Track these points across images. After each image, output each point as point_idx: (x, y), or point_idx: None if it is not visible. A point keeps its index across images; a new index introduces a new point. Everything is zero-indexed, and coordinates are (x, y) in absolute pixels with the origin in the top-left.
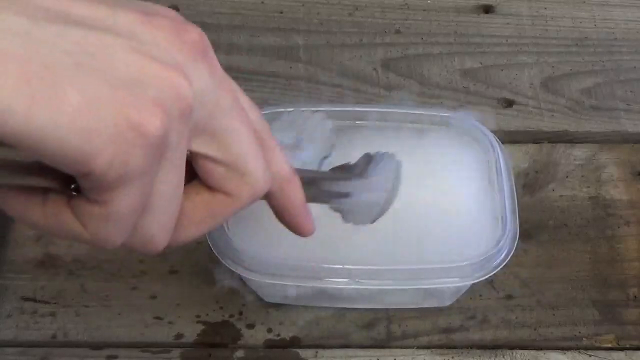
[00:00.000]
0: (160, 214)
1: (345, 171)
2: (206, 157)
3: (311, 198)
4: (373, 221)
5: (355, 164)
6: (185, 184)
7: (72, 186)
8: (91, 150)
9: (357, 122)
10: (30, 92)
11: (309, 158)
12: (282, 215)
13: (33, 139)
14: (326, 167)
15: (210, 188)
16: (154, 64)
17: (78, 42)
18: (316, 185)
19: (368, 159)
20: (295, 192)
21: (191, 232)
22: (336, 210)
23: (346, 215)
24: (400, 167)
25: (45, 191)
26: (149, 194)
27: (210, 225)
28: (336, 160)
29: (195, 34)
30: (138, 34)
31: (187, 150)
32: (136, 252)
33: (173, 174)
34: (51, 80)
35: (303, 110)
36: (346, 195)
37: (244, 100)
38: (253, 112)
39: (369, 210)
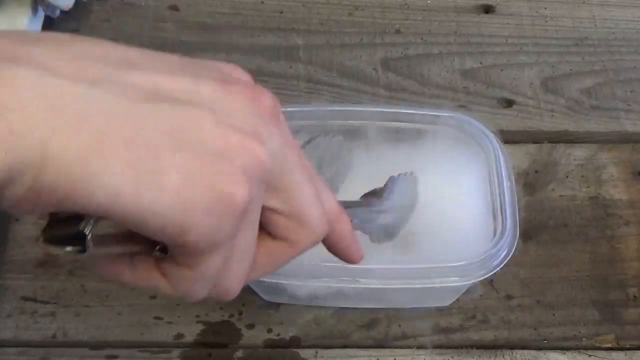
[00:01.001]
0: (238, 269)
1: (373, 196)
2: (271, 209)
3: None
4: (394, 238)
5: (381, 189)
6: None
7: (157, 247)
8: (189, 224)
9: (357, 122)
10: (136, 176)
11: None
12: (334, 249)
13: (139, 217)
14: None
15: (272, 236)
16: (236, 135)
17: (170, 119)
18: (353, 215)
19: (391, 181)
20: (345, 228)
21: (252, 277)
22: (365, 232)
23: (372, 237)
24: (416, 184)
25: (132, 254)
26: (231, 254)
27: (271, 270)
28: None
29: (268, 99)
30: (219, 104)
31: None
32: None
33: (250, 232)
34: (153, 162)
35: (320, 136)
36: (370, 220)
37: (298, 145)
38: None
39: (390, 230)
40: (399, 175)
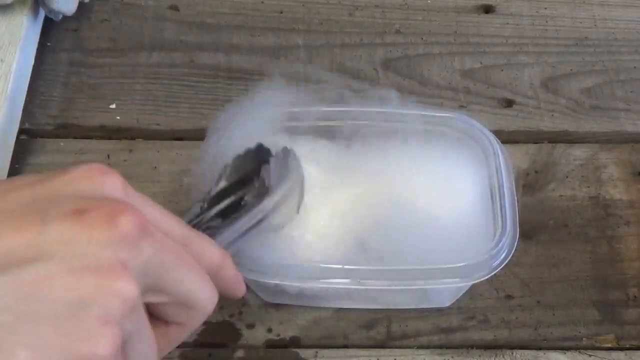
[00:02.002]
0: None
1: (255, 193)
2: (158, 303)
3: (236, 250)
4: (292, 220)
5: (260, 180)
6: None
7: None
8: None
9: (356, 122)
10: None
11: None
12: (221, 290)
13: None
14: None
15: (164, 321)
16: (92, 277)
17: (13, 290)
18: (242, 230)
19: (267, 168)
20: (228, 272)
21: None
22: (267, 231)
23: (274, 229)
24: (298, 160)
25: None
26: None
27: (169, 349)
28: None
29: (129, 220)
30: (71, 245)
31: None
32: None
33: (143, 345)
34: None
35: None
36: (263, 219)
37: (166, 219)
38: (174, 226)
39: (288, 214)
40: (271, 158)
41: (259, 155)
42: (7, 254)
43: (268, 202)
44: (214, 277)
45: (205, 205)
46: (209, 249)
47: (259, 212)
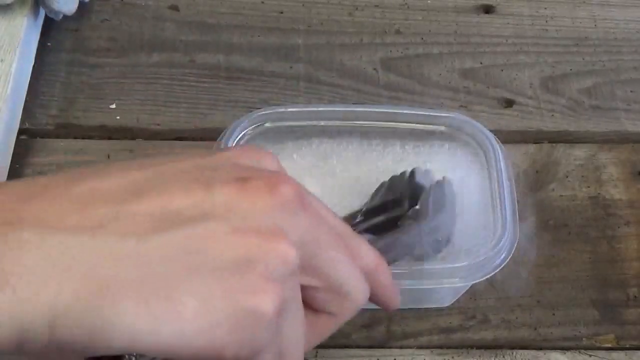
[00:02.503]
0: (292, 354)
1: (413, 216)
2: (309, 287)
3: (392, 260)
4: (439, 253)
5: (420, 204)
6: None
7: None
8: (217, 345)
9: (356, 122)
10: (150, 312)
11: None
12: (374, 298)
13: (164, 349)
14: None
15: (315, 310)
16: (255, 238)
17: (181, 244)
18: (395, 247)
19: (426, 195)
20: (383, 278)
21: (308, 349)
22: (411, 257)
23: (418, 257)
24: (454, 193)
25: None
26: (280, 345)
27: (316, 342)
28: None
29: (289, 190)
30: (235, 208)
31: None
32: None
33: (295, 318)
34: (166, 294)
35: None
36: (419, 243)
37: (326, 210)
38: (333, 219)
39: (436, 245)
40: (430, 185)
41: (413, 179)
42: (177, 212)
43: (425, 225)
44: (372, 278)
45: (362, 217)
46: (365, 249)
47: (416, 231)
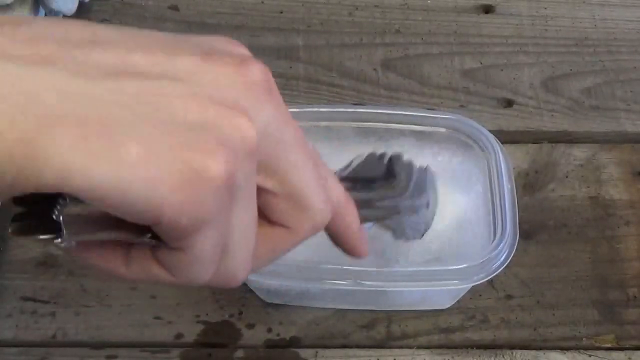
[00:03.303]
0: (239, 250)
1: (390, 187)
2: (268, 192)
3: (363, 219)
4: (422, 236)
5: (398, 180)
6: None
7: (149, 235)
8: (157, 199)
9: (356, 122)
10: (88, 149)
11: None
12: (338, 240)
13: (98, 193)
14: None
15: (270, 221)
16: (214, 106)
17: (134, 94)
18: (368, 206)
19: (408, 173)
20: (351, 217)
21: (253, 266)
22: (387, 228)
23: (396, 233)
24: (435, 181)
25: (127, 246)
26: (227, 234)
27: (270, 259)
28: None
29: (257, 71)
30: (198, 77)
31: None
32: (216, 287)
33: (246, 211)
34: (108, 136)
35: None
36: (396, 213)
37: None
38: (301, 133)
39: (417, 226)
40: (413, 168)
41: (391, 165)
42: (133, 66)
43: (404, 201)
44: (334, 216)
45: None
46: (336, 184)
47: (394, 203)
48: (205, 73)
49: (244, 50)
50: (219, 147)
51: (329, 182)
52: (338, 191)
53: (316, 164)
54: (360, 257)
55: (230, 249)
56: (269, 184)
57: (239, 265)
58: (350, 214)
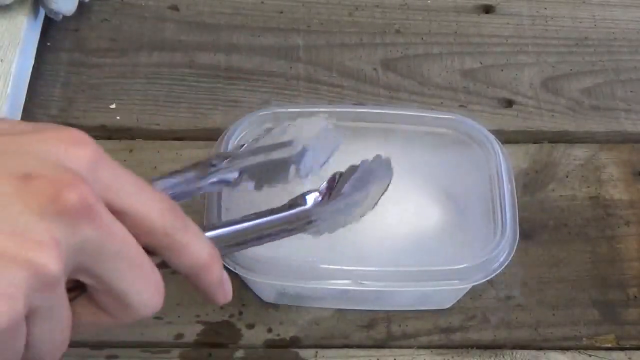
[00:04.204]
0: (44, 344)
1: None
2: (89, 286)
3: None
4: (345, 225)
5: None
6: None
7: None
8: None
9: (356, 122)
10: None
11: (307, 164)
12: (200, 291)
13: None
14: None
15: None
16: (13, 245)
17: None
18: (273, 228)
19: (350, 172)
20: (211, 277)
21: (74, 334)
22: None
23: (316, 234)
24: (381, 165)
25: None
26: (30, 345)
27: (93, 331)
28: (334, 163)
29: (74, 196)
30: (9, 206)
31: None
32: None
33: (52, 324)
34: None
35: (300, 112)
36: (310, 222)
37: (148, 202)
38: (156, 209)
39: (334, 222)
40: (353, 166)
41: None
42: None
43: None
44: (196, 276)
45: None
46: (196, 245)
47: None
48: (16, 203)
49: (77, 157)
50: (1, 300)
51: (191, 248)
52: (199, 255)
53: (174, 239)
54: (220, 304)
55: (32, 346)
56: (88, 281)
57: (46, 354)
58: (211, 273)
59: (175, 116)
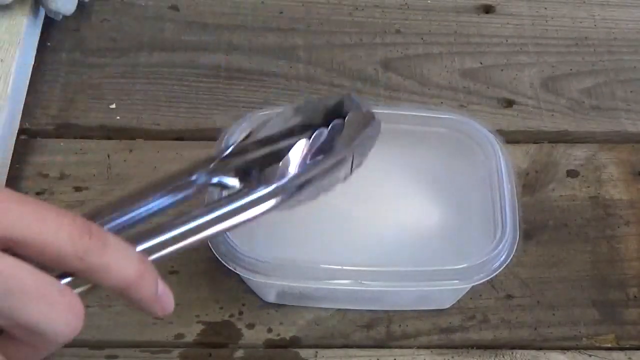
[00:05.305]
0: None
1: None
2: (2, 325)
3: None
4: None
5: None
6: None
7: None
8: None
9: None
10: None
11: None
12: (135, 305)
13: None
14: None
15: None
16: None
17: None
18: (283, 192)
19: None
20: (144, 290)
21: None
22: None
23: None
24: (368, 122)
25: None
26: None
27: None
28: None
29: None
30: None
31: None
32: None
33: None
34: None
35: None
36: (311, 180)
37: (55, 230)
38: (65, 234)
39: (336, 179)
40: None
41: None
42: None
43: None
44: (126, 295)
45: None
46: (118, 262)
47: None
48: None
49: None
50: None
51: (116, 265)
52: (127, 271)
53: (95, 259)
54: (161, 317)
55: None
56: None
57: None
58: (144, 287)
59: (175, 116)
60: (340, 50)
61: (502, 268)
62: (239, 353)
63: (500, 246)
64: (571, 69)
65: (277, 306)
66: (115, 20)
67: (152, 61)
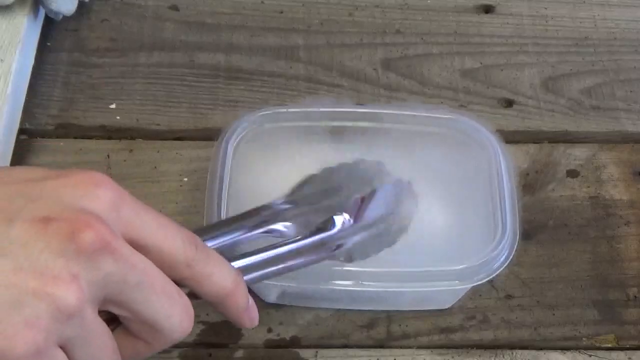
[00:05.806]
0: None
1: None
2: (122, 316)
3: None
4: (379, 251)
5: (353, 204)
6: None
7: None
8: None
9: (356, 122)
10: None
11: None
12: (227, 317)
13: None
14: None
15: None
16: (32, 280)
17: None
18: (302, 255)
19: (370, 195)
20: (236, 303)
21: None
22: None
23: (348, 259)
24: (403, 190)
25: None
26: None
27: (139, 357)
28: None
29: (91, 235)
30: (30, 247)
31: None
32: None
33: (91, 349)
34: None
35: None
36: (338, 246)
37: (168, 235)
38: (176, 241)
39: (366, 248)
40: (375, 189)
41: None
42: None
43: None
44: (222, 303)
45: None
46: (219, 273)
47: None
48: (37, 243)
49: (94, 200)
50: (26, 328)
51: (214, 276)
52: (223, 282)
53: (196, 269)
54: (246, 327)
55: None
56: (119, 312)
57: None
58: (236, 299)
59: (175, 116)
60: (340, 50)
61: (502, 268)
62: (239, 353)
63: (500, 246)
64: (571, 69)
65: (277, 306)
66: (115, 20)
67: (152, 61)
